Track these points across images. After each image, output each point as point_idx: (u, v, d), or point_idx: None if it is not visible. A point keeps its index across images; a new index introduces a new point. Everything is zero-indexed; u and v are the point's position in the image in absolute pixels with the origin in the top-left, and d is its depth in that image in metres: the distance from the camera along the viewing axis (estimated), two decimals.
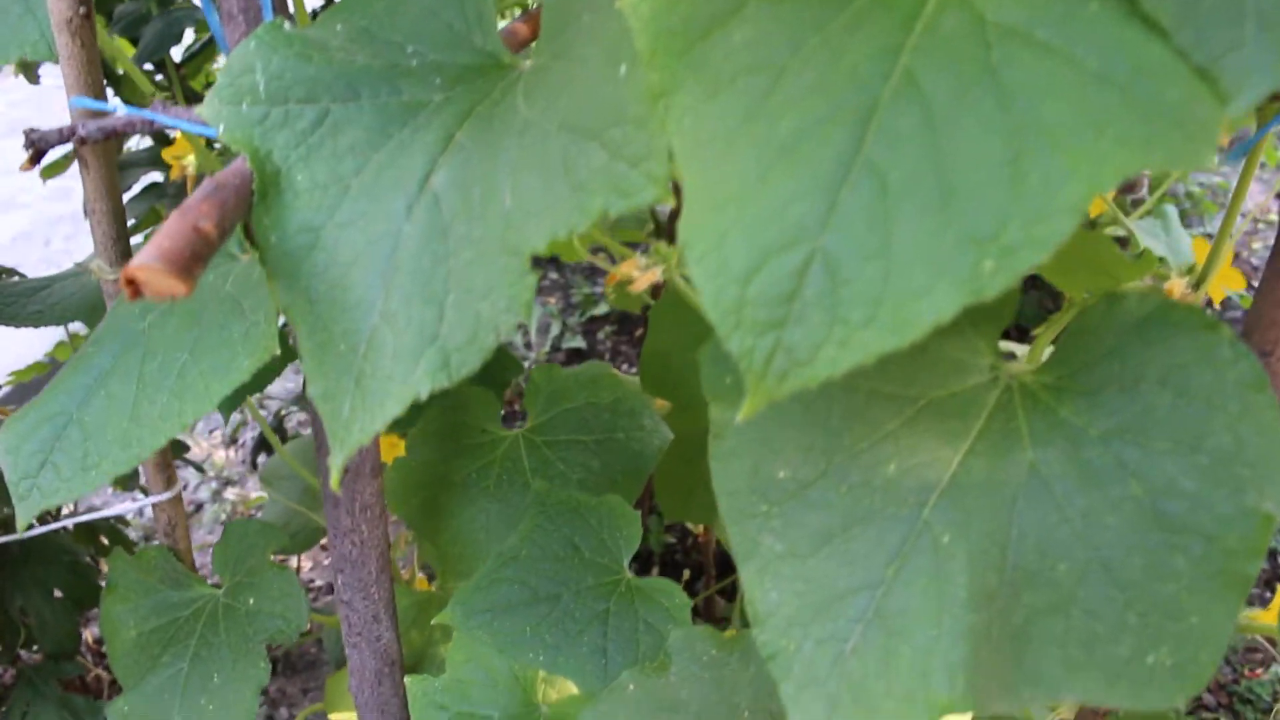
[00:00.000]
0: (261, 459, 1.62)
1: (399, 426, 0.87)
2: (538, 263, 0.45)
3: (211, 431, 2.33)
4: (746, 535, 0.49)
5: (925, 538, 0.47)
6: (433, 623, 0.73)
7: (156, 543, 0.85)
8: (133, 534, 1.98)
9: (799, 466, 0.49)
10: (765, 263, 0.38)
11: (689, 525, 1.33)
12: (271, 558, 0.81)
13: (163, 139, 1.30)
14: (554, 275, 2.88)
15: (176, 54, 1.33)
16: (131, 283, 0.47)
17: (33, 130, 0.60)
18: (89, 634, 1.66)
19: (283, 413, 1.63)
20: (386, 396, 0.47)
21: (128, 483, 1.17)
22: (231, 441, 2.23)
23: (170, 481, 0.80)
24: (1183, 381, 0.47)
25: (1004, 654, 0.46)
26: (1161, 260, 1.26)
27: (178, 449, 1.61)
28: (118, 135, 0.60)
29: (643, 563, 1.65)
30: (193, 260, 0.48)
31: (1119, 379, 0.47)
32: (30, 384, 1.13)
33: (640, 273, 0.61)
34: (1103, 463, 0.46)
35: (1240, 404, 0.46)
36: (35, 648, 1.18)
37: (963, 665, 0.45)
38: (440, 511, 0.81)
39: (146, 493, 0.82)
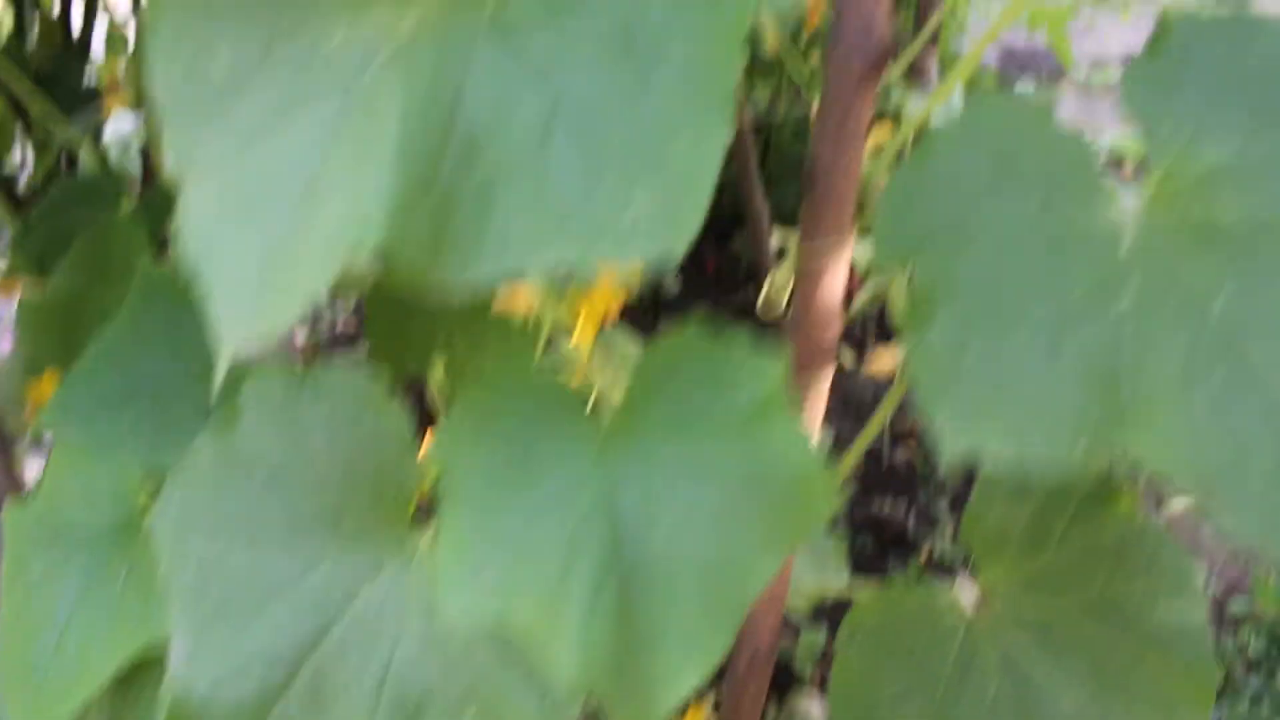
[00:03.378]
0: None
1: (35, 263, 0.79)
2: None
3: None
4: (183, 144, 0.41)
5: (366, 102, 0.39)
6: (29, 434, 0.64)
7: None
8: None
9: (236, 56, 0.41)
10: None
11: None
12: None
13: None
14: None
15: None
16: None
17: None
18: None
19: None
20: None
21: None
22: None
23: None
24: None
25: (461, 215, 0.38)
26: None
27: None
28: None
29: None
30: None
31: None
32: None
33: None
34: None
35: None
36: None
37: (382, 220, 0.37)
38: (81, 345, 0.72)
39: None
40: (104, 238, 0.76)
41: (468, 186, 0.38)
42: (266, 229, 0.38)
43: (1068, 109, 3.48)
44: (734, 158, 1.28)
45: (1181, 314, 0.43)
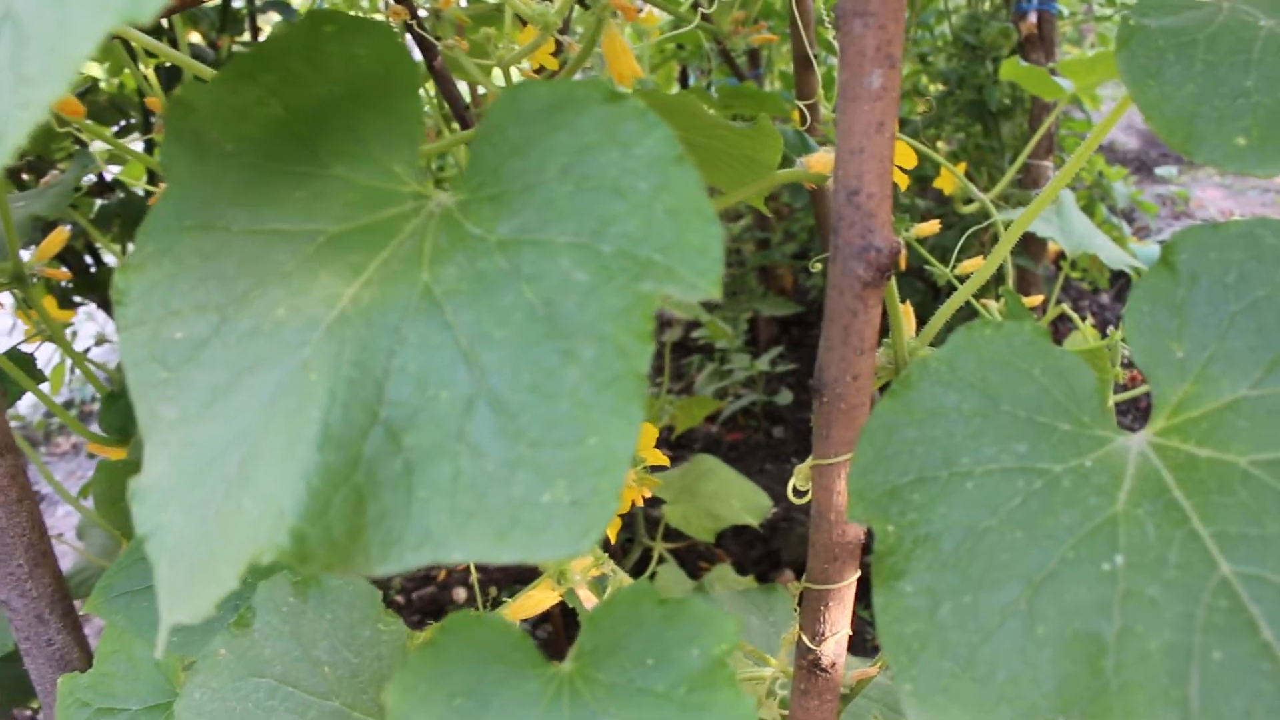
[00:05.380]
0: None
1: (117, 431, 0.83)
2: None
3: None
4: (148, 408, 0.43)
5: (299, 378, 0.40)
6: (81, 612, 0.68)
7: None
8: None
9: (194, 325, 0.42)
10: None
11: None
12: None
13: None
14: None
15: None
16: None
17: None
18: None
19: None
20: None
21: None
22: None
23: None
24: (586, 167, 0.39)
25: (381, 500, 0.38)
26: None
27: None
28: None
29: None
30: None
31: (522, 176, 0.40)
32: None
33: None
34: (499, 272, 0.39)
35: (653, 182, 0.38)
36: None
37: (296, 511, 0.37)
38: None
39: None
40: None
41: (389, 468, 0.38)
42: (204, 511, 0.39)
43: (1210, 195, 3.27)
44: None
45: (1183, 573, 0.39)
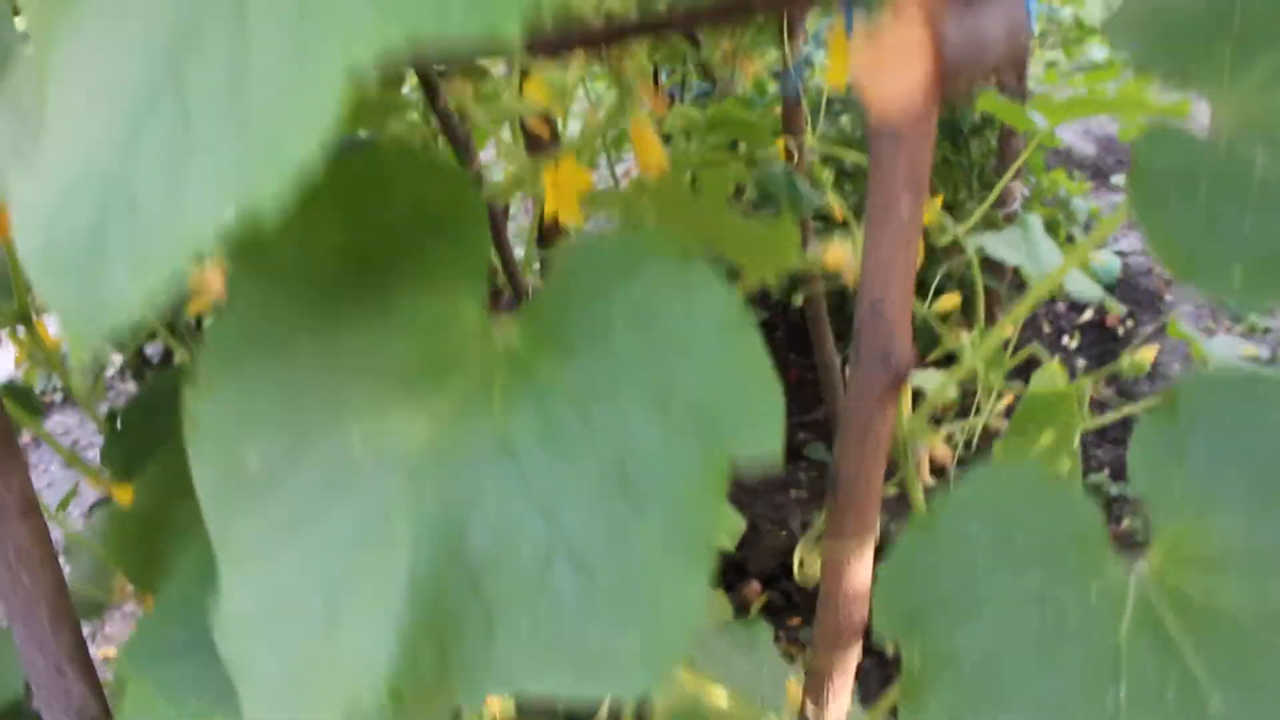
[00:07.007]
0: None
1: (120, 468, 0.84)
2: None
3: None
4: (221, 532, 0.45)
5: (381, 524, 0.42)
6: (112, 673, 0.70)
7: None
8: None
9: (270, 452, 0.44)
10: (70, 201, 0.35)
11: None
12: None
13: None
14: None
15: None
16: None
17: None
18: None
19: None
20: None
21: None
22: None
23: None
24: (654, 323, 0.41)
25: (465, 644, 0.40)
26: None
27: None
28: None
29: None
30: None
31: (593, 325, 0.42)
32: None
33: None
34: (570, 424, 0.41)
35: (717, 346, 0.41)
36: None
37: (389, 663, 0.39)
38: (163, 562, 0.77)
39: None
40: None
41: (472, 615, 0.40)
42: (289, 650, 0.41)
43: None
44: (808, 304, 1.29)
45: (1178, 710, 0.43)
